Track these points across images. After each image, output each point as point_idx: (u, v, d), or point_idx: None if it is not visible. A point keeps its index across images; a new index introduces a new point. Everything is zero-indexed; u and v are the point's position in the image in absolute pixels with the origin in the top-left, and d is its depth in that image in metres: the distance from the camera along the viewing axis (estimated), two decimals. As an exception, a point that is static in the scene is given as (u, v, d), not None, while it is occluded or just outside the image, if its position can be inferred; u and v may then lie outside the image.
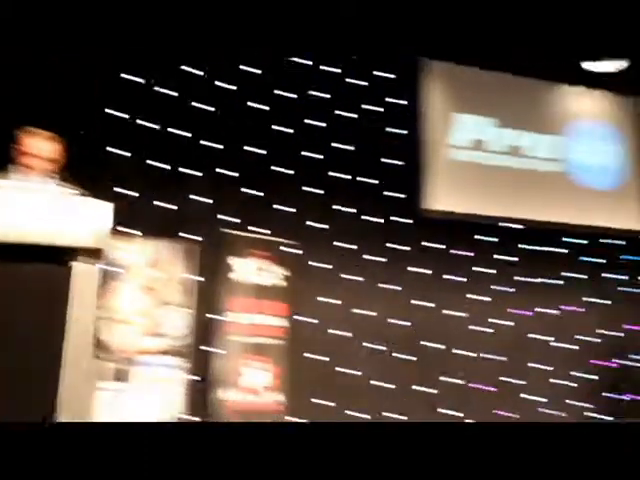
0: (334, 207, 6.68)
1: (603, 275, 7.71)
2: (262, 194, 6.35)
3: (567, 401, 7.20)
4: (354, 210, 6.73)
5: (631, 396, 7.42)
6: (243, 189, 6.33)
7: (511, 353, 7.13)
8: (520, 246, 7.41)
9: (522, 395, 7.04)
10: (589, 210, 7.78)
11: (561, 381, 7.23)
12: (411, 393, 6.55)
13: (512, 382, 7.03)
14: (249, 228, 6.19)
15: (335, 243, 6.60)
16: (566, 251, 7.57)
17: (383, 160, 6.99)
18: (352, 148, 6.86)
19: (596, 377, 7.36)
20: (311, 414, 5.99)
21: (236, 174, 6.33)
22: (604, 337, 7.54)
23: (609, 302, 7.60)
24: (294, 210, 6.47)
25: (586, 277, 7.59)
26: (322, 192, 6.62)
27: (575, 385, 7.27)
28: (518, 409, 6.94)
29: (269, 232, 6.26)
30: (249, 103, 6.59)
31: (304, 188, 6.60)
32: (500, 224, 7.34)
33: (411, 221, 6.96)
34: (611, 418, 7.13)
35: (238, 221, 6.15)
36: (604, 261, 7.70)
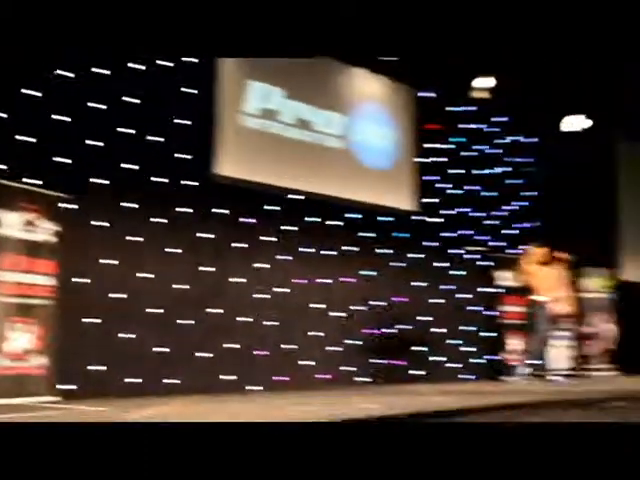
0: (118, 163, 6.26)
1: (375, 250, 8.28)
2: (36, 140, 5.71)
3: (339, 367, 7.65)
4: (138, 167, 6.37)
5: (392, 361, 8.10)
6: (16, 135, 5.63)
7: (290, 320, 7.36)
8: (302, 218, 7.65)
9: (299, 361, 7.31)
10: (366, 188, 8.29)
11: (333, 347, 7.65)
12: (192, 359, 6.44)
13: (289, 348, 7.26)
14: (21, 179, 5.55)
15: (118, 202, 6.20)
16: (342, 224, 7.96)
17: (175, 120, 6.71)
18: (138, 102, 6.46)
19: (362, 343, 7.92)
20: (81, 380, 5.61)
21: (6, 115, 5.61)
22: (373, 307, 8.12)
23: (379, 275, 8.20)
24: (71, 161, 5.92)
25: (360, 250, 8.08)
26: (103, 145, 6.15)
27: (344, 350, 7.75)
28: (294, 374, 7.20)
29: (41, 183, 5.68)
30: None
31: (87, 141, 6.08)
32: (285, 195, 7.50)
33: (197, 184, 6.78)
34: (370, 379, 7.73)
35: (5, 168, 5.47)
36: (376, 236, 8.27)
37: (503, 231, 9.67)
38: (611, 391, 5.08)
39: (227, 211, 6.95)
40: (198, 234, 6.74)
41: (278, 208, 7.38)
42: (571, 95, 9.73)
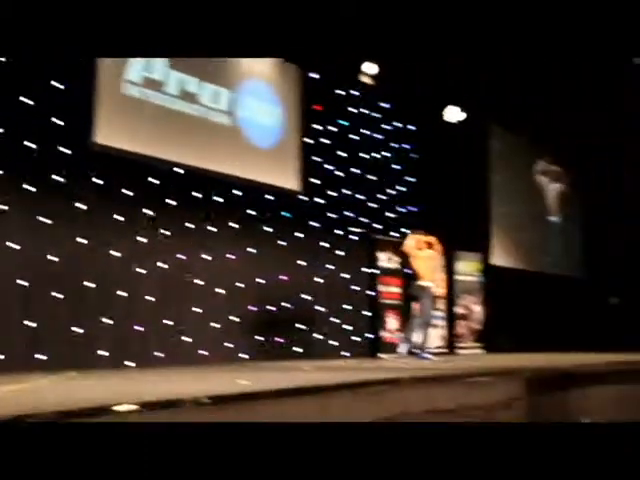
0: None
1: (260, 228, 8.26)
2: None
3: (222, 344, 7.59)
4: (6, 130, 5.94)
5: (274, 338, 8.15)
6: None
7: (169, 296, 7.19)
8: (186, 192, 7.48)
9: (180, 338, 7.17)
10: (252, 165, 8.22)
11: (215, 324, 7.57)
12: (64, 334, 6.14)
13: (168, 324, 7.11)
14: None
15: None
16: (225, 200, 7.87)
17: (51, 82, 6.31)
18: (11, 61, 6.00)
19: (244, 320, 7.90)
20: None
21: None
22: (256, 284, 8.11)
23: (263, 253, 8.19)
24: None
25: (244, 227, 8.02)
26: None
27: (226, 327, 7.69)
28: (173, 350, 7.07)
29: None
30: None
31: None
32: (169, 168, 7.30)
33: (73, 152, 6.44)
34: (250, 356, 7.73)
35: None
36: (260, 214, 8.25)
37: (384, 214, 9.98)
38: (478, 367, 5.39)
39: (103, 182, 6.65)
40: (74, 204, 6.41)
41: (158, 181, 7.17)
42: (451, 87, 10.17)
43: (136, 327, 6.77)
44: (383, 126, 10.20)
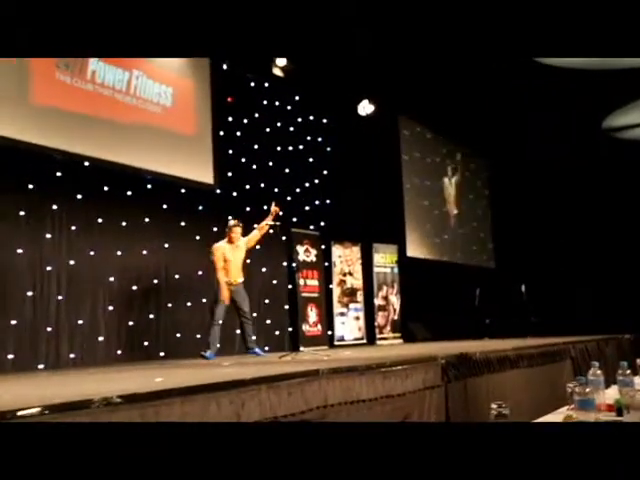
0: None
1: (175, 223, 8.05)
2: None
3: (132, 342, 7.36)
4: None
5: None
6: None
7: (76, 294, 6.89)
8: (96, 186, 7.19)
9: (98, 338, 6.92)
10: (167, 158, 7.98)
11: (125, 321, 7.33)
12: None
13: (77, 323, 6.82)
14: None
15: None
16: (132, 194, 7.60)
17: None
18: None
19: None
20: None
21: None
22: (170, 280, 7.91)
23: (177, 247, 7.99)
24: None
25: (156, 222, 7.79)
26: None
27: (137, 324, 7.46)
28: (83, 351, 6.80)
29: None
30: None
31: None
32: (75, 161, 6.98)
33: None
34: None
35: None
36: (173, 208, 8.04)
37: (299, 207, 9.94)
38: (395, 356, 5.47)
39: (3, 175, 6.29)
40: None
41: (60, 174, 6.83)
42: (362, 80, 10.23)
43: (44, 327, 6.47)
44: (295, 119, 10.16)
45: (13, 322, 6.19)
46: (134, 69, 7.69)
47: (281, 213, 7.22)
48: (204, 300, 7.91)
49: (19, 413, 2.30)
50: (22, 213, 6.44)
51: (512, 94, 10.99)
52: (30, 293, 6.40)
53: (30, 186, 6.52)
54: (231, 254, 6.75)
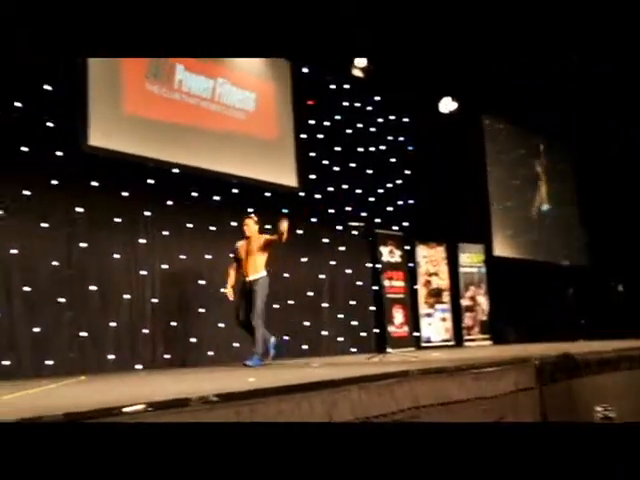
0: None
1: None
2: None
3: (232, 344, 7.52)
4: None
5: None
6: None
7: (172, 297, 7.13)
8: (184, 192, 7.41)
9: (189, 339, 7.14)
10: (250, 163, 8.13)
11: (220, 324, 7.51)
12: (69, 339, 6.09)
13: (173, 325, 7.05)
14: None
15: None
16: (222, 199, 7.78)
17: (44, 86, 6.24)
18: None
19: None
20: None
21: None
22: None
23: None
24: None
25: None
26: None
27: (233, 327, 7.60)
28: (182, 352, 7.02)
29: None
30: None
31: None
32: (167, 168, 7.23)
33: (65, 154, 6.38)
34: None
35: None
36: (260, 211, 8.15)
37: (382, 208, 9.87)
38: (487, 358, 5.34)
39: (99, 184, 6.58)
40: (75, 208, 6.37)
41: (153, 181, 7.09)
42: (443, 78, 10.03)
43: (142, 329, 6.73)
44: (376, 119, 10.09)
45: (112, 324, 6.47)
46: (218, 77, 7.89)
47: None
48: (289, 301, 8.00)
49: (124, 410, 2.39)
50: (118, 220, 6.71)
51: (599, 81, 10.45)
52: (127, 296, 6.66)
53: (124, 193, 6.79)
54: (244, 250, 6.25)
